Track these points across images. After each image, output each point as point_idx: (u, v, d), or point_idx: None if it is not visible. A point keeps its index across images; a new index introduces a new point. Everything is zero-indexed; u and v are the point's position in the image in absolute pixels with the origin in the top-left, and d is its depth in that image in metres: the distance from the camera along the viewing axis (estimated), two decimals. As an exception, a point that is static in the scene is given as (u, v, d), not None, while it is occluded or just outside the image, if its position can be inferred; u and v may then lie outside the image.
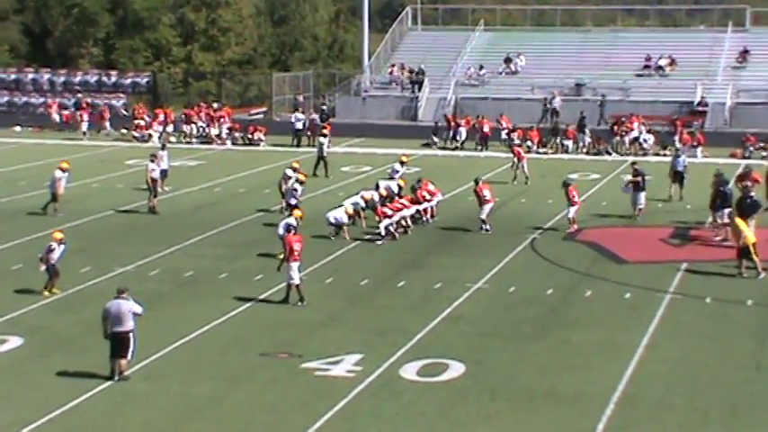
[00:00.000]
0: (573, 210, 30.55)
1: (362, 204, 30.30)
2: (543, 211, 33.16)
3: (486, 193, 30.46)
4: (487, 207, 30.38)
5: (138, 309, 18.24)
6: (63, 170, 33.41)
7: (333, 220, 29.22)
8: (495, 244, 28.73)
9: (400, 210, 29.77)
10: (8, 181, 39.62)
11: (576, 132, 47.88)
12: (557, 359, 19.28)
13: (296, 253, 22.76)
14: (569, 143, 47.52)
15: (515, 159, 39.33)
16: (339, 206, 29.87)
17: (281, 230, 25.46)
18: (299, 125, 49.76)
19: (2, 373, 18.50)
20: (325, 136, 42.05)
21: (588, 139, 47.51)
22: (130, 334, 17.99)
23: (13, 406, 16.92)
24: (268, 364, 19.01)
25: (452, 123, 50.07)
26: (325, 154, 40.47)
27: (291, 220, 26.90)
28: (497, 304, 23.01)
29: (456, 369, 18.65)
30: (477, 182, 30.90)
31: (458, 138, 49.10)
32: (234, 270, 25.97)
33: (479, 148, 48.06)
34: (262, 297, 23.41)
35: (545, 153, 47.05)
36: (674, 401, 17.20)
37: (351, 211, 29.63)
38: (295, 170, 32.95)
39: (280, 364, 18.98)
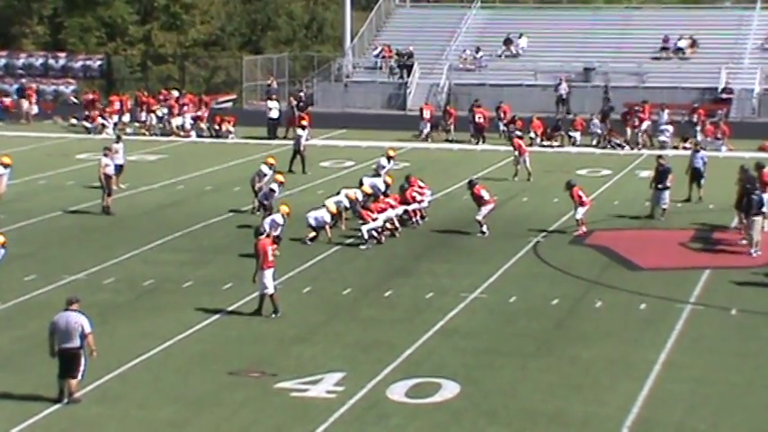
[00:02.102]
0: (582, 210, 30.65)
1: (346, 203, 30.36)
2: (548, 212, 33.26)
3: (485, 194, 30.56)
4: (486, 208, 30.47)
5: (88, 326, 18.04)
6: (5, 166, 33.33)
7: (313, 222, 29.26)
8: (493, 248, 28.81)
9: (385, 210, 29.82)
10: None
11: (584, 123, 47.96)
12: (563, 378, 19.35)
13: (270, 259, 22.80)
14: (577, 135, 47.65)
15: (516, 153, 39.45)
16: (321, 206, 29.91)
17: (267, 229, 25.61)
18: (274, 114, 49.79)
19: (-64, 394, 18.46)
20: (303, 128, 42.10)
21: (599, 131, 47.57)
22: (81, 351, 17.96)
23: (-51, 432, 16.89)
24: (238, 384, 19.03)
25: (451, 115, 50.06)
26: (302, 148, 40.54)
27: (278, 218, 26.98)
28: (496, 316, 23.07)
29: (450, 389, 18.70)
30: (472, 184, 30.94)
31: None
32: (199, 278, 25.98)
33: (475, 140, 48.14)
34: (231, 308, 23.42)
35: (550, 146, 47.18)
36: (695, 426, 17.28)
37: (334, 209, 29.69)
38: (271, 166, 32.98)
39: (251, 385, 18.99)
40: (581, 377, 19.37)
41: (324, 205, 29.92)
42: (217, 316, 22.90)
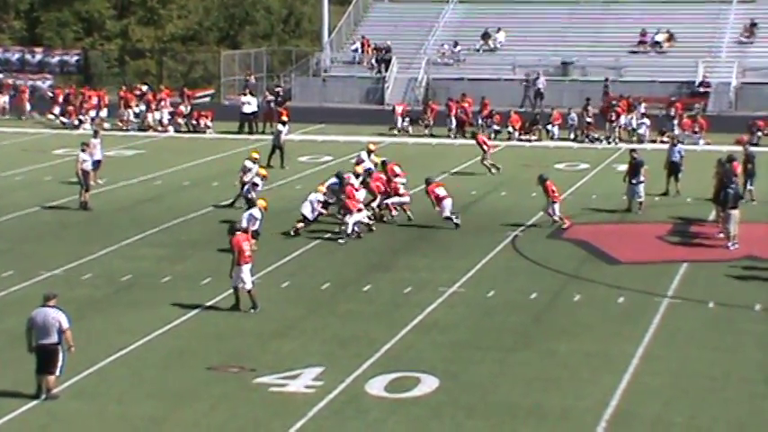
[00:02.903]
0: (556, 207, 30.70)
1: (321, 198, 30.39)
2: (526, 206, 33.29)
3: (441, 191, 30.60)
4: (447, 203, 30.46)
5: (65, 322, 17.99)
6: None
7: (309, 211, 29.25)
8: (471, 243, 28.85)
9: (371, 202, 29.90)
10: None
11: (563, 116, 48.02)
12: (541, 372, 19.40)
13: (246, 254, 22.77)
14: (555, 129, 47.72)
15: (483, 149, 39.07)
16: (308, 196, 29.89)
17: (244, 223, 25.58)
18: (248, 109, 49.70)
19: None
20: (284, 123, 42.04)
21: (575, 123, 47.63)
22: (59, 347, 17.90)
23: (-74, 429, 16.81)
24: (216, 379, 19.00)
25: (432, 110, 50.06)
26: (281, 143, 40.50)
27: (255, 212, 26.97)
28: (475, 310, 23.11)
29: (428, 383, 18.73)
30: (428, 182, 30.96)
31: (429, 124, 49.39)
32: (178, 273, 25.93)
33: (453, 134, 48.13)
34: (209, 303, 23.39)
35: (528, 140, 47.23)
36: (673, 419, 17.35)
37: (324, 189, 30.07)
38: (255, 161, 32.91)
39: (230, 380, 18.97)
40: (559, 371, 19.43)
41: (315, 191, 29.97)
42: (195, 311, 22.87)
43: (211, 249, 27.92)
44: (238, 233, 23.35)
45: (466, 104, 49.32)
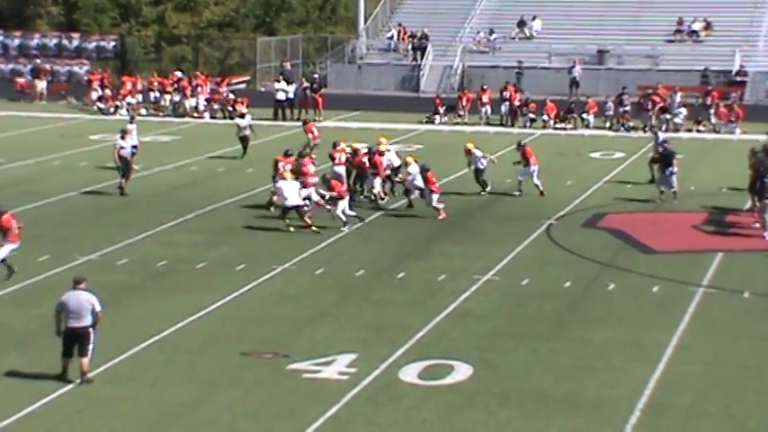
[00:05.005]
0: (535, 169, 32.40)
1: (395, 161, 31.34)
2: (560, 195, 33.19)
3: (435, 180, 30.62)
4: (435, 195, 30.42)
5: (98, 305, 18.10)
6: None
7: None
8: (506, 231, 28.78)
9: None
10: (-43, 158, 39.62)
11: (599, 104, 47.82)
12: (575, 360, 19.33)
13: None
14: (591, 117, 47.52)
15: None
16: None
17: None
18: (282, 96, 49.75)
19: (-50, 374, 18.54)
20: (242, 116, 41.20)
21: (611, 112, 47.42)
22: (91, 330, 18.00)
23: (-37, 411, 16.95)
24: (250, 365, 19.05)
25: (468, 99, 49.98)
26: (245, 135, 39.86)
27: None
28: (509, 299, 23.06)
29: (462, 371, 18.70)
30: (425, 170, 30.75)
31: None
32: (212, 259, 25.99)
33: (507, 121, 48.05)
34: (244, 289, 23.44)
35: (563, 129, 47.06)
36: (707, 409, 17.25)
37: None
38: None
39: (264, 366, 19.01)
40: (593, 360, 19.35)
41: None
42: (230, 297, 22.93)
43: (246, 235, 27.98)
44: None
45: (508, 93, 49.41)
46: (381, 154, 32.17)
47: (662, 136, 35.61)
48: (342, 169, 32.11)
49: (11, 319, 21.41)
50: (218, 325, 21.27)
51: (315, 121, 44.07)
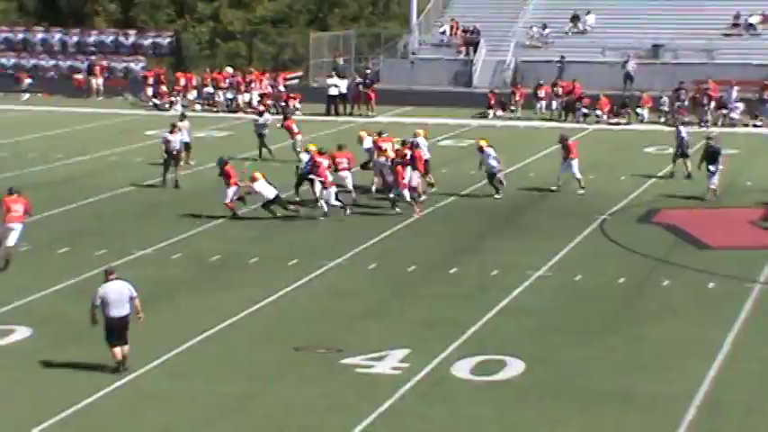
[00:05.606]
0: (575, 162, 31.90)
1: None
2: (614, 190, 32.96)
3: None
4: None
5: (134, 291, 18.45)
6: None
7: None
8: (559, 226, 28.61)
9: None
10: (16, 153, 40.04)
11: (654, 99, 47.47)
12: (630, 357, 19.17)
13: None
14: (645, 112, 47.15)
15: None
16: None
17: None
18: (334, 91, 49.78)
19: (9, 367, 18.71)
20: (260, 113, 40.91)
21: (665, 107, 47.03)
22: (129, 318, 18.31)
23: (22, 403, 17.11)
24: (303, 359, 19.08)
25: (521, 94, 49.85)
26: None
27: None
28: (562, 294, 22.92)
29: (515, 367, 18.61)
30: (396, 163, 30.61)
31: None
32: (266, 254, 26.07)
33: (564, 116, 47.81)
34: (297, 284, 23.48)
35: (617, 124, 46.74)
36: (764, 407, 17.04)
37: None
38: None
39: (316, 360, 19.03)
40: (648, 356, 19.18)
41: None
42: (282, 292, 22.97)
43: (299, 230, 28.03)
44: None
45: (559, 88, 49.13)
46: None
47: (684, 131, 35.25)
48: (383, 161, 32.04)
49: (68, 312, 21.57)
50: (272, 320, 21.32)
51: (362, 115, 43.63)
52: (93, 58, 61.07)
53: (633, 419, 16.59)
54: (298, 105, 50.36)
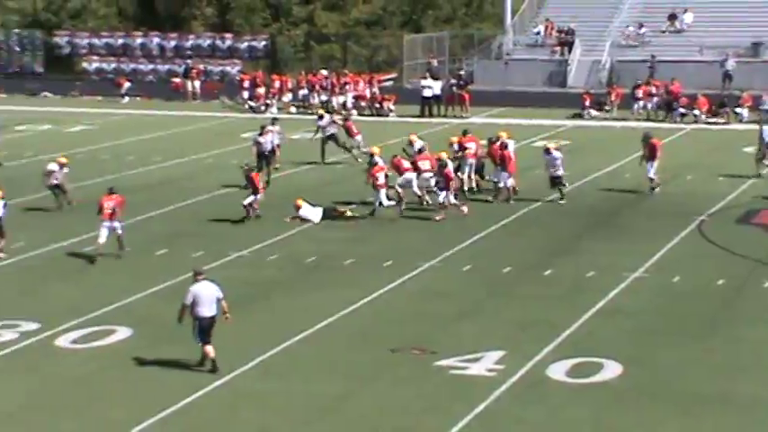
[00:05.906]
0: (655, 164, 31.30)
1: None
2: (713, 190, 32.49)
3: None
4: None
5: (221, 292, 18.73)
6: (61, 165, 31.26)
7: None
8: (656, 227, 28.28)
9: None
10: (116, 156, 40.71)
11: (753, 98, 46.69)
12: (729, 359, 18.90)
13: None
14: (744, 111, 46.39)
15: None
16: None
17: None
18: (428, 93, 49.80)
19: (110, 366, 19.05)
20: (320, 116, 40.17)
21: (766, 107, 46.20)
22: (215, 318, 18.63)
23: (123, 403, 17.40)
24: (398, 360, 19.12)
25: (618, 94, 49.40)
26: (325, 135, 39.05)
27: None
28: (659, 296, 22.66)
29: (612, 369, 18.45)
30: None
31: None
32: (361, 255, 26.17)
33: (663, 116, 47.27)
34: (391, 286, 23.53)
35: (715, 123, 46.07)
36: None
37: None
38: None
39: (411, 361, 19.06)
40: (747, 358, 18.89)
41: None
42: (377, 293, 23.04)
43: (394, 232, 28.08)
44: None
45: (653, 87, 48.56)
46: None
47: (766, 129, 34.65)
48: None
49: (167, 313, 21.84)
50: (367, 321, 21.40)
51: (456, 117, 43.39)
52: (189, 61, 61.95)
53: (732, 421, 16.35)
54: (392, 107, 50.50)
